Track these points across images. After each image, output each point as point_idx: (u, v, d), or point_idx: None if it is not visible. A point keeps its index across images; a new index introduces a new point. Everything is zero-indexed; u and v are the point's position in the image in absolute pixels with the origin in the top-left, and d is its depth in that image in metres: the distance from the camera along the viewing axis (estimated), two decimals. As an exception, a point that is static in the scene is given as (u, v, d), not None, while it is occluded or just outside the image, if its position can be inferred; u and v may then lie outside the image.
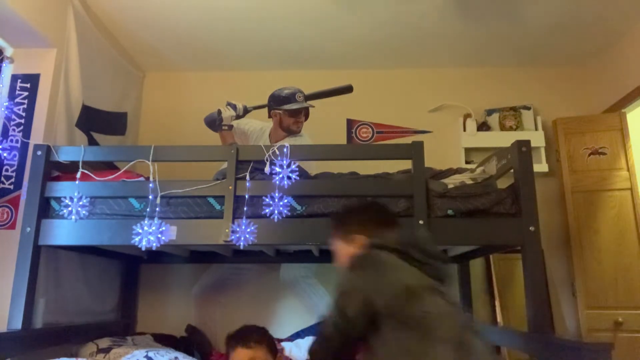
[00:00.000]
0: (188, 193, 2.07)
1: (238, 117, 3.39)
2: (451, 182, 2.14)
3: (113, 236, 2.05)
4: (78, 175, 2.11)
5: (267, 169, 2.06)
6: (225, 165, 2.13)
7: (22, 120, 2.32)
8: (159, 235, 1.99)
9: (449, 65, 3.41)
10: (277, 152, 2.08)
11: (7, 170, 2.26)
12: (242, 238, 1.97)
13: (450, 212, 2.01)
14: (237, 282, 3.10)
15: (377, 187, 2.09)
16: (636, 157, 2.95)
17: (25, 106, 2.34)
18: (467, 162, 3.15)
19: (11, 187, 2.25)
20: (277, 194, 2.01)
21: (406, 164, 2.19)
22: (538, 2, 2.66)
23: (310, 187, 2.09)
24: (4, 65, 2.36)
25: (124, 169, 2.21)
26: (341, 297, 1.34)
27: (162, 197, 2.06)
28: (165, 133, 3.38)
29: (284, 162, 2.04)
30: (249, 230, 1.98)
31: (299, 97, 3.39)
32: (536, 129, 3.18)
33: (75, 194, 2.07)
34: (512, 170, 2.14)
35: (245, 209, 2.02)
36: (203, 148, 2.35)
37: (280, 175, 2.02)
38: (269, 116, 3.40)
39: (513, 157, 2.10)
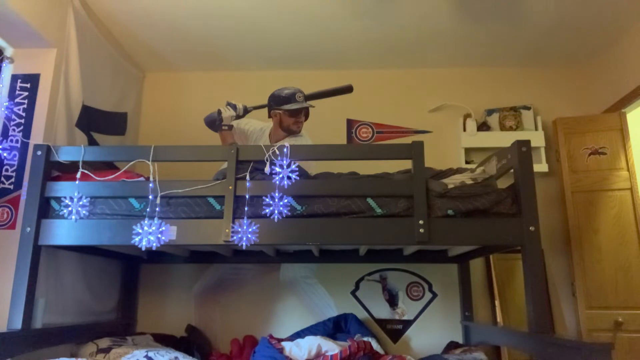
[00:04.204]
0: (188, 193, 2.07)
1: (238, 117, 3.41)
2: (451, 182, 2.14)
3: (113, 236, 2.05)
4: (78, 175, 2.11)
5: (267, 169, 2.07)
6: (225, 165, 2.13)
7: (22, 120, 2.32)
8: (159, 235, 1.99)
9: (449, 65, 3.41)
10: (277, 152, 2.08)
11: (7, 170, 2.26)
12: (244, 238, 1.97)
13: (450, 212, 2.01)
14: (237, 282, 3.11)
15: (377, 187, 2.09)
16: (636, 157, 2.95)
17: (25, 106, 2.34)
18: (467, 162, 3.15)
19: (11, 187, 2.25)
20: (277, 194, 2.01)
21: (406, 164, 2.19)
22: (538, 2, 2.66)
23: (310, 187, 2.09)
24: (4, 65, 2.36)
25: (124, 169, 2.21)
26: None
27: (162, 197, 2.06)
28: (165, 133, 3.39)
29: (284, 162, 2.04)
30: (250, 230, 1.98)
31: (299, 97, 3.40)
32: (536, 129, 3.18)
33: (75, 194, 2.08)
34: (512, 170, 2.14)
35: (245, 209, 2.03)
36: (203, 148, 2.35)
37: (280, 175, 2.02)
38: (269, 116, 3.41)
39: (513, 157, 2.11)
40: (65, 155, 2.16)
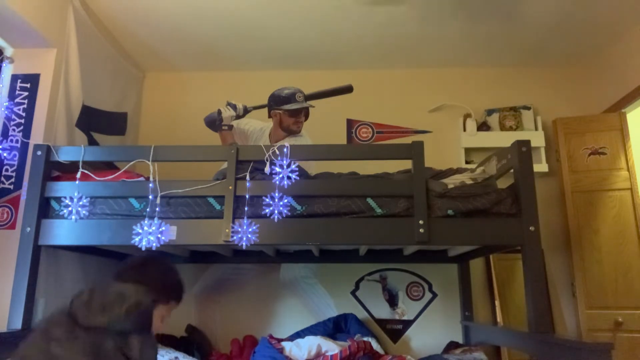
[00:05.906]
0: (188, 193, 2.07)
1: (238, 117, 3.41)
2: (451, 182, 2.14)
3: (113, 236, 2.05)
4: (78, 175, 2.11)
5: (267, 169, 2.06)
6: (225, 165, 2.13)
7: (22, 120, 2.32)
8: (159, 235, 1.99)
9: (449, 65, 3.41)
10: (277, 152, 2.08)
11: (7, 170, 2.26)
12: (244, 238, 1.97)
13: (450, 212, 2.01)
14: (237, 282, 3.11)
15: (377, 187, 2.09)
16: (636, 157, 2.95)
17: (25, 106, 2.34)
18: (467, 162, 3.15)
19: (11, 187, 2.25)
20: (277, 194, 2.01)
21: (406, 164, 2.19)
22: (538, 2, 2.66)
23: (310, 187, 2.09)
24: (4, 65, 2.36)
25: (124, 169, 2.21)
26: None
27: (162, 197, 2.06)
28: (165, 133, 3.38)
29: (284, 162, 2.04)
30: (250, 230, 1.98)
31: (299, 97, 3.40)
32: (536, 129, 3.18)
33: (75, 194, 2.07)
34: (512, 170, 2.15)
35: (245, 209, 2.03)
36: (203, 148, 2.35)
37: (280, 175, 2.02)
38: (269, 116, 3.41)
39: (513, 157, 2.11)
40: (65, 155, 2.16)
